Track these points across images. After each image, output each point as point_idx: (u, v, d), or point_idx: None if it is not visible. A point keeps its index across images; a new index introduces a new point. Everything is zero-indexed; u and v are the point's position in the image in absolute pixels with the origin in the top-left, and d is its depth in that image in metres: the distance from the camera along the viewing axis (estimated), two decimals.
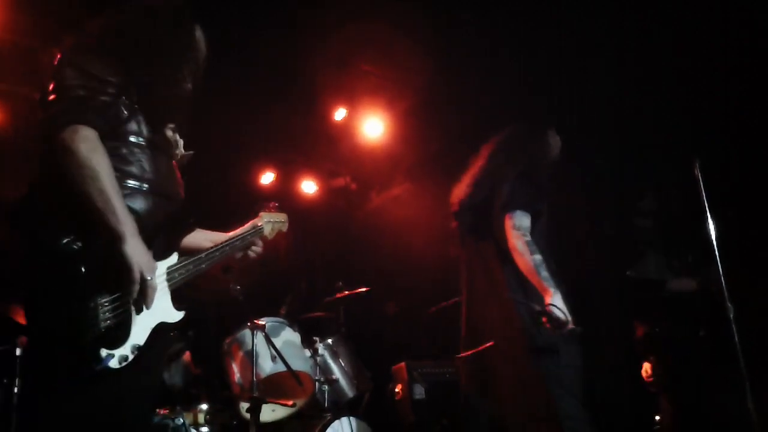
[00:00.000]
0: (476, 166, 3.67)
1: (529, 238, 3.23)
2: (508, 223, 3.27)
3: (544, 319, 3.05)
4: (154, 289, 2.05)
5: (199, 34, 2.45)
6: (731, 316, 3.29)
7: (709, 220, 3.42)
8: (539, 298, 3.15)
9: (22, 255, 1.99)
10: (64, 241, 1.96)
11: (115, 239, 1.99)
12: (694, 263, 4.46)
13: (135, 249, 2.01)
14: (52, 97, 2.10)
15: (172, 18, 2.34)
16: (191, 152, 2.49)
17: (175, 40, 2.34)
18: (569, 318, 3.04)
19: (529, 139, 3.64)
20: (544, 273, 3.14)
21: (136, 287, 2.01)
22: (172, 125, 2.39)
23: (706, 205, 3.43)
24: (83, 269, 1.95)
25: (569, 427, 3.05)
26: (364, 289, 5.21)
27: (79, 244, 1.98)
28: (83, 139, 2.01)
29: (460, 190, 3.67)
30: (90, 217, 1.99)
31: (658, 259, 4.60)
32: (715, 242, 3.38)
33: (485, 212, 3.47)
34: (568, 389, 3.11)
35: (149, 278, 2.03)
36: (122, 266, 1.99)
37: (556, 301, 3.05)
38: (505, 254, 3.31)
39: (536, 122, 3.77)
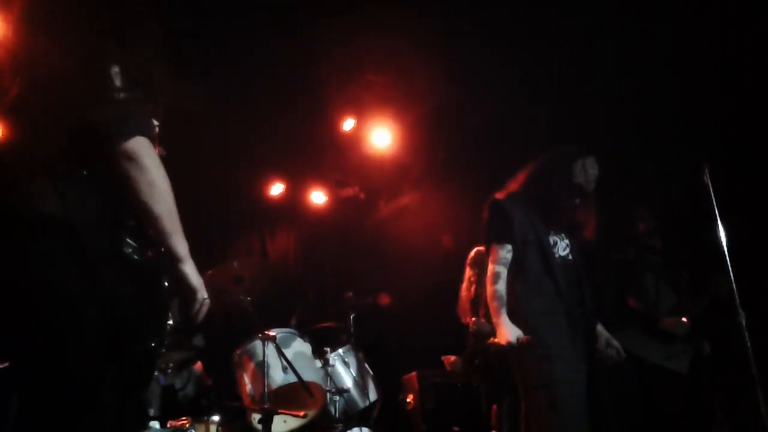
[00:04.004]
0: None
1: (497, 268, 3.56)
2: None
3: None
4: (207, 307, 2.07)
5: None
6: (743, 322, 3.29)
7: (720, 227, 3.41)
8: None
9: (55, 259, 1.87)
10: (141, 251, 1.92)
11: (175, 259, 1.97)
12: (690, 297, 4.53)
13: (194, 270, 2.01)
14: (95, 91, 1.92)
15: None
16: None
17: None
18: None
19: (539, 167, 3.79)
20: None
21: (199, 308, 2.03)
22: None
23: (717, 211, 3.42)
24: (165, 284, 1.96)
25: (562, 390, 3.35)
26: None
27: (155, 256, 1.95)
28: (149, 154, 1.91)
29: None
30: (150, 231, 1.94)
31: (659, 286, 4.63)
32: (726, 249, 3.37)
33: None
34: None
35: (206, 298, 2.04)
36: (184, 288, 2.00)
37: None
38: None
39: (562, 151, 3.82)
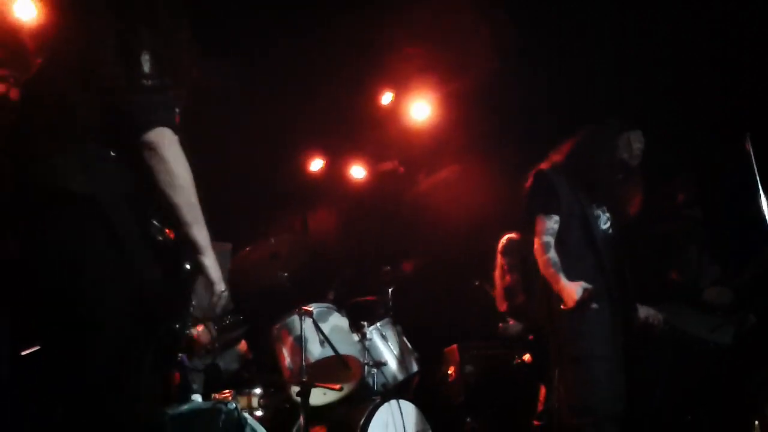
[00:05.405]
0: None
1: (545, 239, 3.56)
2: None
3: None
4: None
5: None
6: None
7: (762, 196, 3.31)
8: None
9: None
10: (166, 234, 1.97)
11: (195, 250, 2.00)
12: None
13: (213, 262, 2.04)
14: (126, 78, 1.94)
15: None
16: None
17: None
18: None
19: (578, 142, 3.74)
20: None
21: (216, 301, 2.07)
22: None
23: (759, 181, 3.32)
24: (189, 267, 2.00)
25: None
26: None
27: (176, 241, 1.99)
28: (169, 146, 1.95)
29: None
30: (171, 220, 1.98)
31: (700, 257, 4.52)
32: None
33: None
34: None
35: (224, 290, 2.08)
36: (203, 279, 2.03)
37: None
38: None
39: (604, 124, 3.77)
